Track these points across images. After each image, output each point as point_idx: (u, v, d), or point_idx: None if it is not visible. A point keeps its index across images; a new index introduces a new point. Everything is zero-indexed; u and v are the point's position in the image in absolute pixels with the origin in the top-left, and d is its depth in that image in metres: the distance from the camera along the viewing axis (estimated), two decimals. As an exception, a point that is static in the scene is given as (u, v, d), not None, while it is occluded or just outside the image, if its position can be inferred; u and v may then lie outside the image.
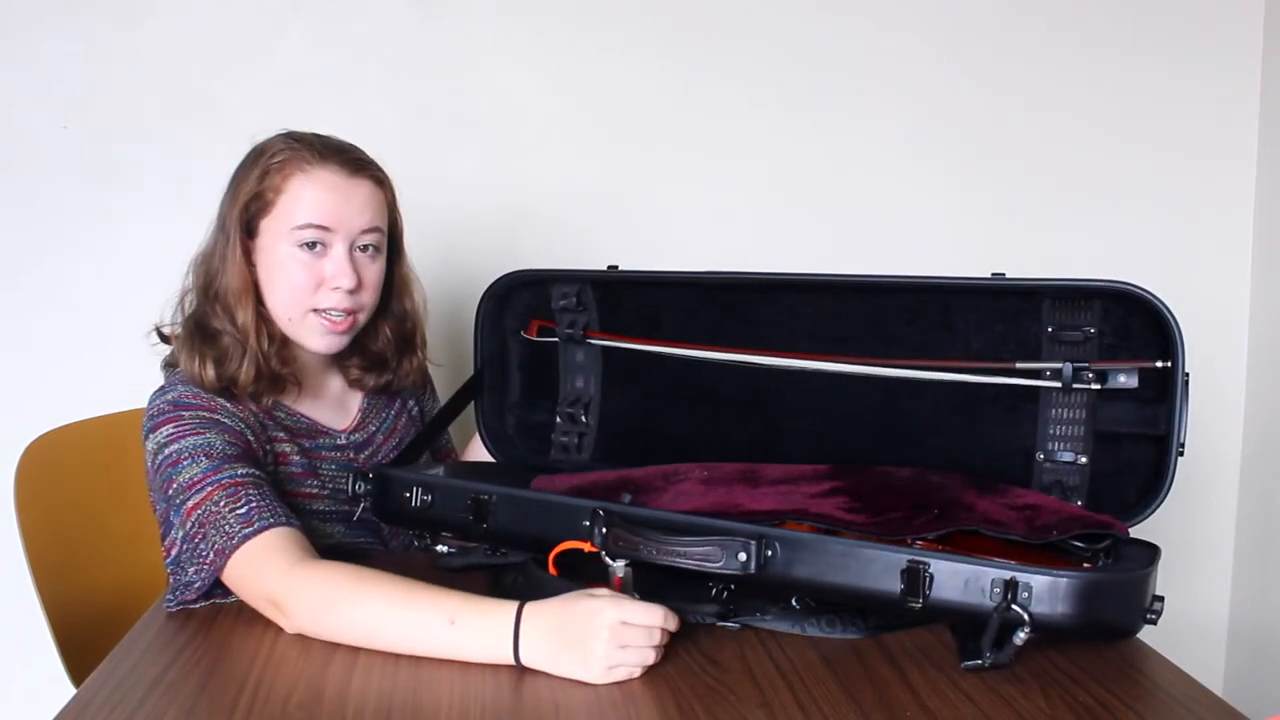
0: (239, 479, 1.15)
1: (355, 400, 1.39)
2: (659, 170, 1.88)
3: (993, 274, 1.18)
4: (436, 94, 1.82)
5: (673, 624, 1.01)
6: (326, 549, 1.16)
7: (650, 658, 0.98)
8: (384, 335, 1.36)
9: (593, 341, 1.45)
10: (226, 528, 1.11)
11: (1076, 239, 1.93)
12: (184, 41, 1.76)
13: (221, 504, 1.13)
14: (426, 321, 1.42)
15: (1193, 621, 1.97)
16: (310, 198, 1.23)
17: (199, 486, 1.14)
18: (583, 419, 1.47)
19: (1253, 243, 1.96)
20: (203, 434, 1.18)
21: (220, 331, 1.24)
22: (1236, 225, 1.96)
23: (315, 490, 1.29)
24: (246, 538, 1.10)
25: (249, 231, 1.25)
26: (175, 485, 1.15)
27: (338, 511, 1.31)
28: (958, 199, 1.92)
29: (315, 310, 1.25)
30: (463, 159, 1.83)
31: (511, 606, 1.00)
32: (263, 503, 1.14)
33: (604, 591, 1.02)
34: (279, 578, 1.08)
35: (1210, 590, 2.03)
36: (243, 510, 1.12)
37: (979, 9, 1.89)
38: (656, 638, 0.99)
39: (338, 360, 1.35)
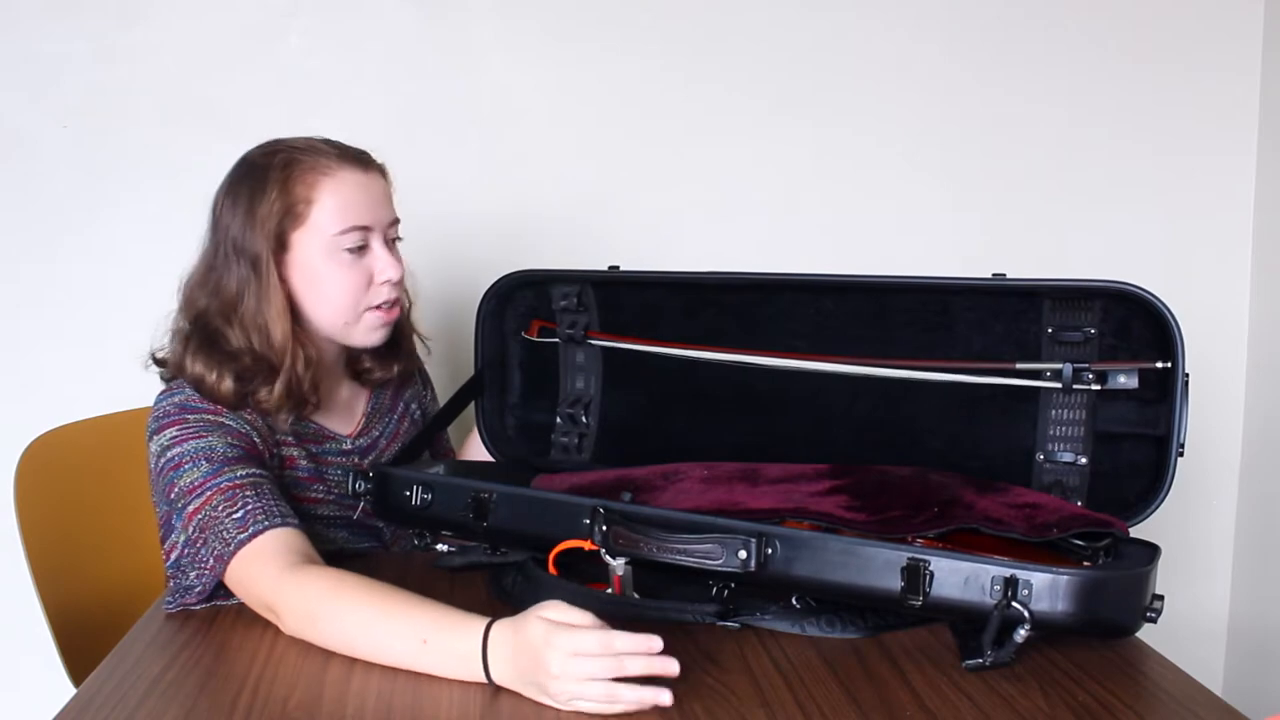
0: (238, 481, 1.15)
1: (360, 405, 1.39)
2: (659, 170, 1.88)
3: (993, 274, 1.18)
4: (436, 94, 1.82)
5: (647, 645, 0.89)
6: (331, 554, 1.15)
7: (621, 695, 0.88)
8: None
9: (593, 342, 1.45)
10: (224, 534, 1.12)
11: (1076, 239, 1.93)
12: (183, 42, 1.76)
13: (220, 509, 1.13)
14: (421, 315, 1.43)
15: (1193, 621, 1.97)
16: (344, 202, 1.22)
17: (198, 491, 1.14)
18: (583, 419, 1.47)
19: (1253, 243, 1.96)
20: (205, 437, 1.18)
21: (239, 351, 1.22)
22: (1236, 225, 1.96)
23: (321, 495, 1.30)
24: (241, 543, 1.11)
25: (280, 246, 1.23)
26: (177, 489, 1.16)
27: (343, 516, 1.31)
28: (957, 199, 1.92)
29: (369, 308, 1.26)
30: (463, 159, 1.83)
31: (479, 627, 0.95)
32: (259, 504, 1.13)
33: (556, 613, 0.93)
34: (270, 585, 1.08)
35: (1210, 590, 2.03)
36: (239, 515, 1.12)
37: (979, 9, 1.89)
38: (625, 667, 0.89)
39: (349, 360, 1.36)
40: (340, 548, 1.29)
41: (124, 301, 1.76)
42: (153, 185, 1.78)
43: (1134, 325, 1.15)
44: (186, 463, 1.16)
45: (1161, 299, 1.09)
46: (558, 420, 1.48)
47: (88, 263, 1.78)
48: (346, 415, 1.37)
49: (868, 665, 1.00)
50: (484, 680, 0.94)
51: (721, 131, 1.88)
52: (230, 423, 1.20)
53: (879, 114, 1.89)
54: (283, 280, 1.24)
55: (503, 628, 0.95)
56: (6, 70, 1.74)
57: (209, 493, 1.14)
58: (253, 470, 1.17)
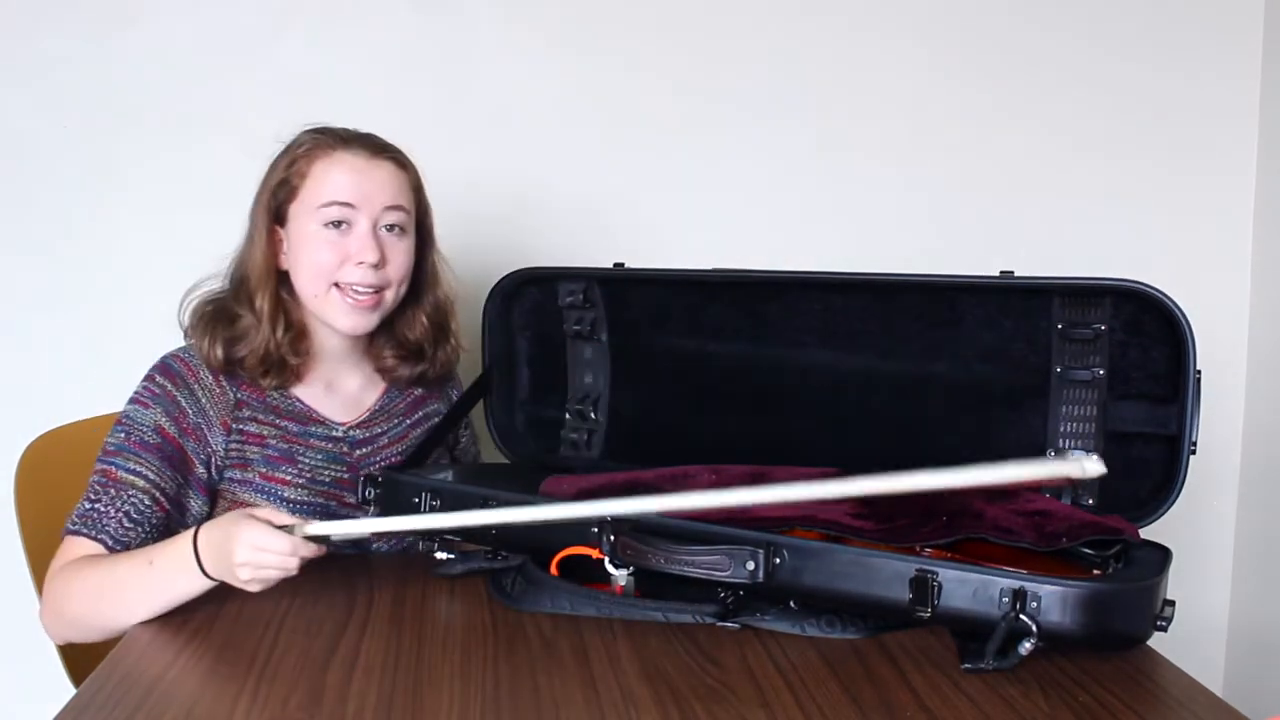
0: (121, 474, 1.22)
1: (371, 398, 1.39)
2: (665, 168, 1.87)
3: (1001, 272, 1.18)
4: (440, 93, 1.82)
5: (308, 551, 1.10)
6: None
7: (289, 566, 1.09)
8: (420, 324, 1.37)
9: (602, 338, 1.45)
10: (77, 509, 1.22)
11: (1077, 238, 1.93)
12: (183, 42, 1.76)
13: (94, 485, 1.22)
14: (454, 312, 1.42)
15: (1193, 621, 1.96)
16: (333, 178, 1.27)
17: (104, 458, 1.24)
18: (592, 415, 1.47)
19: (1253, 243, 1.96)
20: (147, 407, 1.25)
21: (239, 315, 1.28)
22: (1236, 225, 1.96)
23: (289, 478, 1.29)
24: (69, 531, 1.21)
25: (278, 219, 1.29)
26: (108, 440, 1.25)
27: (311, 504, 1.30)
28: (962, 198, 1.92)
29: (338, 285, 1.27)
30: (468, 157, 1.83)
31: (190, 534, 1.12)
32: (108, 509, 1.20)
33: (262, 513, 1.11)
34: (51, 572, 1.20)
35: (1210, 590, 2.03)
36: (88, 505, 1.21)
37: (983, 10, 1.89)
38: (291, 564, 1.09)
39: (371, 348, 1.37)
40: None
41: (124, 302, 1.76)
42: (153, 185, 1.77)
43: (1145, 323, 1.15)
44: (121, 423, 1.26)
45: (1172, 297, 1.09)
46: (567, 416, 1.48)
47: (87, 263, 1.77)
48: (350, 405, 1.37)
49: (868, 665, 1.00)
50: (202, 578, 1.10)
51: (728, 128, 1.87)
52: (183, 401, 1.25)
53: (886, 113, 1.89)
54: (279, 252, 1.30)
55: (208, 527, 1.12)
56: (6, 70, 1.74)
57: (106, 465, 1.23)
58: (143, 471, 1.22)
